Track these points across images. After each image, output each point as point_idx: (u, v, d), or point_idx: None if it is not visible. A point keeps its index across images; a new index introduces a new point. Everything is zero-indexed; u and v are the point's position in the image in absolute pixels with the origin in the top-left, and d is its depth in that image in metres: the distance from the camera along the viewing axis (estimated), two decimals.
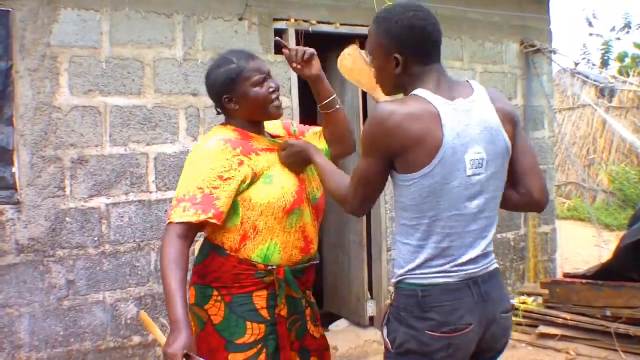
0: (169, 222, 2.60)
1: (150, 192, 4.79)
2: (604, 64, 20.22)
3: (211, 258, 2.79)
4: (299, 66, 2.95)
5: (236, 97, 2.81)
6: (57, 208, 4.48)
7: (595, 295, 5.63)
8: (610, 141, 14.51)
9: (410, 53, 2.46)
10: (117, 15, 4.67)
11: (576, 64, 8.81)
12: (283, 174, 2.79)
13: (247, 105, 2.81)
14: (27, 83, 4.38)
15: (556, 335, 5.69)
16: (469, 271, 2.45)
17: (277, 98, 2.86)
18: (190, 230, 2.60)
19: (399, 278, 2.49)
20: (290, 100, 5.33)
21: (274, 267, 2.74)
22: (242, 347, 2.70)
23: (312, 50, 2.97)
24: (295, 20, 5.39)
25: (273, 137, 2.98)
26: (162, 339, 2.63)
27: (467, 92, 2.48)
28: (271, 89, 2.83)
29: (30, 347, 4.39)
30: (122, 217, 4.70)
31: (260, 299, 2.74)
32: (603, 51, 20.60)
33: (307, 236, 2.86)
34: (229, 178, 2.64)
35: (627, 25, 20.46)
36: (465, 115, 2.39)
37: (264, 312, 2.73)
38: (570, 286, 5.85)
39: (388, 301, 2.61)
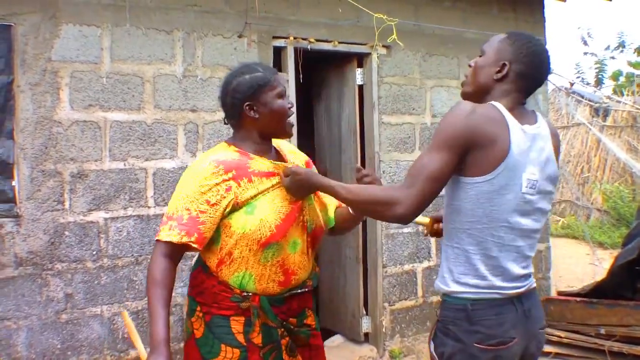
0: (157, 239, 2.63)
1: (149, 207, 4.81)
2: (598, 82, 20.31)
3: (197, 272, 2.82)
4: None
5: (258, 106, 2.75)
6: (56, 222, 4.50)
7: (589, 313, 5.66)
8: (604, 160, 14.58)
9: (517, 69, 2.61)
10: (117, 31, 4.72)
11: (572, 84, 8.85)
12: (269, 205, 2.71)
13: (267, 116, 2.76)
14: (28, 97, 4.41)
15: (550, 353, 5.71)
16: (515, 290, 2.57)
17: (291, 116, 2.86)
18: (175, 249, 2.62)
19: (451, 289, 2.56)
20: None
21: (250, 294, 2.70)
22: None
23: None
24: (295, 38, 5.44)
25: (279, 159, 2.92)
26: (144, 354, 2.67)
27: (533, 120, 2.63)
28: (290, 105, 2.83)
29: None
30: (120, 231, 4.72)
31: (237, 324, 2.70)
32: (597, 70, 20.71)
33: (288, 269, 2.77)
34: (216, 204, 2.62)
35: (622, 45, 20.55)
36: (529, 139, 2.53)
37: (240, 337, 2.69)
38: (565, 304, 5.89)
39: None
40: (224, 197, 2.63)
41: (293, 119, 2.93)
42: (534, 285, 2.70)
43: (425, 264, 6.19)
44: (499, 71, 2.62)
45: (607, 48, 20.96)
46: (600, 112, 14.30)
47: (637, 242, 5.75)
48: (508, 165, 2.45)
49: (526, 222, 2.57)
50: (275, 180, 2.77)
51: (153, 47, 4.85)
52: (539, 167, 2.57)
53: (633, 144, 13.95)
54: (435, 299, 6.23)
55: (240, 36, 5.19)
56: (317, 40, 5.57)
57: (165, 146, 4.88)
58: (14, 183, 4.38)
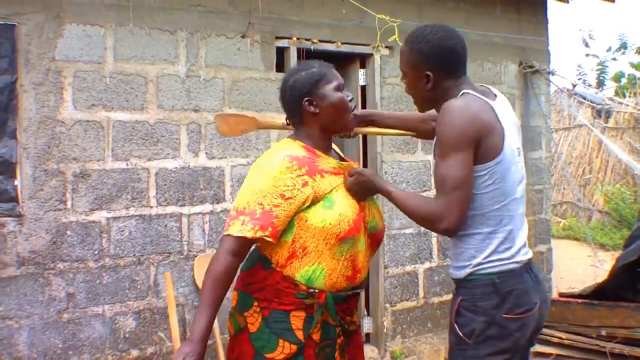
0: (226, 234, 2.61)
1: (151, 207, 4.82)
2: (600, 84, 20.31)
3: (256, 269, 2.76)
4: None
5: (317, 100, 2.77)
6: (58, 221, 4.50)
7: (590, 315, 5.66)
8: (606, 161, 14.57)
9: (440, 70, 2.72)
10: (121, 31, 4.72)
11: (574, 86, 8.86)
12: (344, 200, 2.74)
13: (327, 110, 2.78)
14: (31, 97, 4.41)
15: (551, 354, 5.71)
16: (524, 256, 2.69)
17: (354, 108, 2.88)
18: (244, 245, 2.62)
19: (473, 269, 2.63)
20: None
21: (316, 290, 2.67)
22: None
23: None
24: (298, 38, 5.44)
25: (341, 159, 2.99)
26: (177, 340, 2.72)
27: (493, 96, 2.75)
28: (349, 97, 2.84)
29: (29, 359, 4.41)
30: (122, 231, 4.72)
31: (297, 320, 2.69)
32: (599, 71, 20.69)
33: (356, 266, 2.77)
34: (291, 198, 2.61)
35: (623, 46, 20.53)
36: (503, 113, 2.66)
37: (299, 334, 2.68)
38: (566, 306, 5.87)
39: (458, 298, 2.69)
40: (301, 192, 2.63)
41: None
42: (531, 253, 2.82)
43: (427, 264, 6.19)
44: (427, 82, 2.74)
45: (609, 49, 20.96)
46: (602, 113, 14.29)
47: (638, 244, 5.74)
48: (507, 141, 2.58)
49: (521, 189, 2.73)
50: (341, 178, 2.80)
51: (156, 47, 4.85)
52: (518, 134, 2.75)
53: (635, 146, 13.94)
54: (437, 300, 6.23)
55: (243, 36, 5.19)
56: (320, 41, 5.57)
57: (167, 146, 4.88)
58: (16, 182, 4.39)
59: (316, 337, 2.70)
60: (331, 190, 2.72)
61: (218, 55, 5.09)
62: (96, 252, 4.63)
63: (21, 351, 4.38)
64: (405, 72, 2.85)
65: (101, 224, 4.65)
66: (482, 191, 2.58)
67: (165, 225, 4.86)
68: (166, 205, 4.87)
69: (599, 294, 5.84)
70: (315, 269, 2.67)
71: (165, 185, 4.87)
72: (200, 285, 4.89)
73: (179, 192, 4.91)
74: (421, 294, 6.16)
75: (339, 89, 2.81)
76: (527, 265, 2.70)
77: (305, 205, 2.64)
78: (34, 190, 4.43)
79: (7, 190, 4.37)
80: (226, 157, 5.09)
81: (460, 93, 2.67)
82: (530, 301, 2.63)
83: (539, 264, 7.04)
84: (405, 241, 6.03)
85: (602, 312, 5.60)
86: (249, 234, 2.56)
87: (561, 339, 5.71)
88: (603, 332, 5.53)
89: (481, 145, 2.53)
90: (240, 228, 2.57)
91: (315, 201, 2.66)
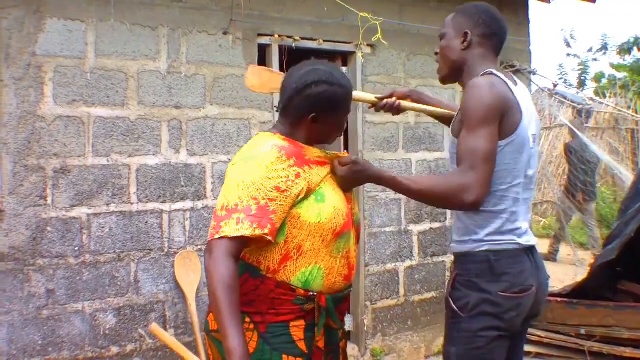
0: (220, 237, 2.30)
1: (132, 204, 4.79)
2: (581, 84, 20.43)
3: (244, 279, 2.46)
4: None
5: (323, 122, 2.60)
6: (38, 217, 4.47)
7: (570, 313, 5.69)
8: None
9: (479, 33, 2.83)
10: (102, 27, 4.69)
11: (555, 85, 8.90)
12: (334, 193, 2.59)
13: (326, 132, 2.67)
14: (11, 92, 4.38)
15: (531, 352, 5.74)
16: (526, 242, 2.74)
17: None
18: (242, 246, 2.35)
19: (472, 245, 2.69)
20: (272, 115, 5.35)
21: (315, 293, 2.48)
22: None
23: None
24: (279, 36, 5.43)
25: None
26: None
27: (514, 82, 2.81)
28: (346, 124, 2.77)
29: (9, 356, 4.37)
30: (103, 227, 4.70)
31: (297, 330, 2.47)
32: (580, 72, 20.82)
33: (350, 262, 2.63)
34: (286, 190, 2.40)
35: (605, 47, 20.66)
36: (521, 98, 2.72)
37: (302, 345, 2.47)
38: (546, 304, 5.91)
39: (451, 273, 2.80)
40: (295, 183, 2.43)
41: None
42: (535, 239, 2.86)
43: (408, 263, 6.20)
44: (464, 41, 2.83)
45: (590, 50, 21.10)
46: (582, 113, 14.37)
47: (617, 243, 5.79)
48: (523, 124, 2.67)
49: (530, 176, 2.77)
50: (328, 169, 2.65)
51: (138, 43, 4.83)
52: (535, 121, 2.79)
53: (614, 146, 14.03)
54: (418, 298, 6.25)
55: (225, 33, 5.18)
56: (302, 39, 5.57)
57: (148, 142, 4.86)
58: None
59: (321, 344, 2.50)
60: (320, 183, 2.56)
61: (199, 52, 5.07)
62: (76, 249, 4.60)
63: (0, 347, 4.35)
64: (442, 34, 2.93)
65: (81, 220, 4.62)
66: None
67: (146, 222, 4.84)
68: (147, 202, 4.85)
69: (578, 293, 5.88)
70: (312, 270, 2.48)
71: (146, 181, 4.85)
72: (181, 282, 4.88)
73: (160, 189, 4.90)
74: (402, 292, 6.17)
75: (346, 116, 2.71)
76: (529, 250, 2.75)
77: (299, 199, 2.44)
78: (14, 186, 4.39)
79: None
80: (207, 154, 5.08)
81: (484, 72, 2.73)
82: (526, 282, 2.68)
83: None
84: (386, 239, 6.04)
85: (582, 311, 5.64)
86: (248, 232, 2.29)
87: (540, 337, 5.74)
88: (582, 331, 5.57)
89: (506, 116, 2.60)
90: (237, 227, 2.29)
91: (308, 194, 2.47)
